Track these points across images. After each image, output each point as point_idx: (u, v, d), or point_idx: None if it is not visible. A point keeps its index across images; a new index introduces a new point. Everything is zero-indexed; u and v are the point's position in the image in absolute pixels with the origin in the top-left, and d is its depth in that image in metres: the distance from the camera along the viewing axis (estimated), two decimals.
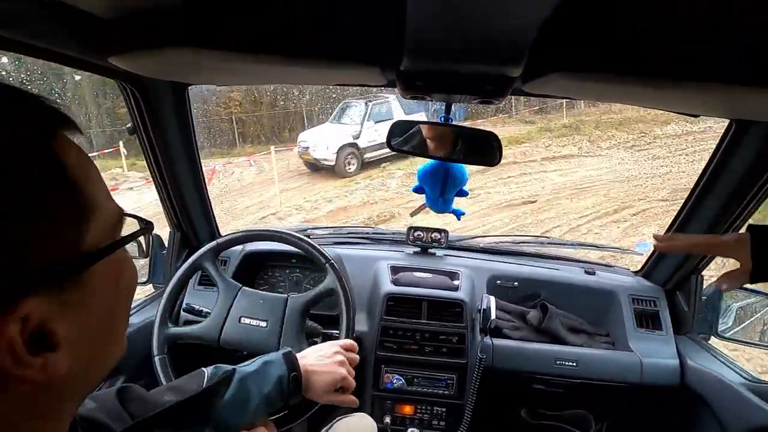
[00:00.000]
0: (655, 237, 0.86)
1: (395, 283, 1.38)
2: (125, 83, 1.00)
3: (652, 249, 1.46)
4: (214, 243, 1.18)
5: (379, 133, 8.82)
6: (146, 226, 0.42)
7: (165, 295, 1.14)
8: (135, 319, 1.24)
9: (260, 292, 1.14)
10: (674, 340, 1.32)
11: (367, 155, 9.36)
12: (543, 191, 7.67)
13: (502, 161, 1.03)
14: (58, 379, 0.30)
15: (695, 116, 1.00)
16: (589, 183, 7.98)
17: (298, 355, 0.84)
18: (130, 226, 0.40)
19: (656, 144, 10.41)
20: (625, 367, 1.27)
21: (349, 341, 0.94)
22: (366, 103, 9.78)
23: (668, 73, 0.60)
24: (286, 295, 1.11)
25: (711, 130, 10.50)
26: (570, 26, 0.58)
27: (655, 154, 9.61)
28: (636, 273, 1.54)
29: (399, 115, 8.83)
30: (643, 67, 0.61)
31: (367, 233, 1.73)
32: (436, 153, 1.06)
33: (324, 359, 0.85)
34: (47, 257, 0.30)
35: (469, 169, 1.23)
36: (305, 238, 1.17)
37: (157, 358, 1.07)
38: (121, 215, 0.37)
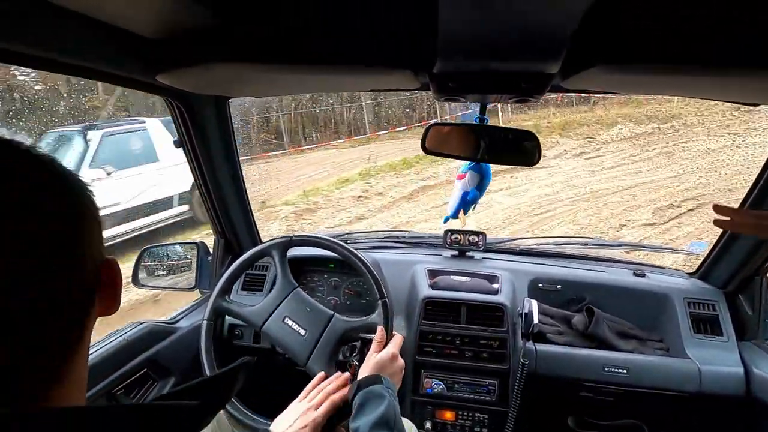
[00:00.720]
0: (716, 209, 0.74)
1: (433, 287, 1.37)
2: (172, 99, 1.06)
3: (708, 249, 1.36)
4: (287, 237, 1.21)
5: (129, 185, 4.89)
6: None
7: (230, 270, 1.19)
8: (184, 323, 1.30)
9: (311, 300, 1.15)
10: (737, 346, 1.23)
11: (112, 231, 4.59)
12: (493, 221, 6.07)
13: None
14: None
15: (755, 105, 0.93)
16: (547, 204, 6.57)
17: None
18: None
19: (607, 150, 9.19)
20: (682, 374, 1.19)
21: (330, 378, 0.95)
22: (84, 137, 4.88)
23: (723, 60, 0.56)
24: (332, 313, 1.12)
25: (659, 131, 9.60)
26: (611, 14, 0.55)
27: (608, 163, 8.38)
28: (691, 275, 1.44)
29: (163, 146, 5.20)
30: (696, 55, 0.57)
31: (404, 237, 1.73)
32: (474, 155, 1.05)
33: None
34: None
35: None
36: (343, 244, 1.18)
37: (204, 322, 1.15)
38: None
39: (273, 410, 1.03)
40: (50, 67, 0.69)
